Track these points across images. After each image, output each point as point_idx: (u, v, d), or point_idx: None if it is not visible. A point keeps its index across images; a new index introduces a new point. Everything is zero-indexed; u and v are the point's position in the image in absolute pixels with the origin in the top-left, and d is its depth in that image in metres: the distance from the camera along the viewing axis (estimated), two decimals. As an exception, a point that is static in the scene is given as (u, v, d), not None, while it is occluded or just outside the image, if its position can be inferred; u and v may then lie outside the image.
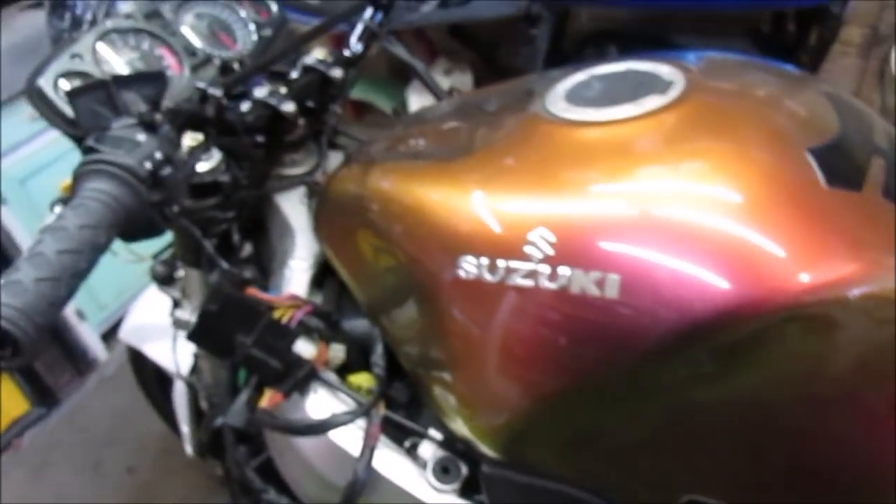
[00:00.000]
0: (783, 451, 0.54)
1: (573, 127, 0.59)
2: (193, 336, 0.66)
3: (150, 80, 0.62)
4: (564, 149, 0.58)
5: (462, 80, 1.87)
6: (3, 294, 0.41)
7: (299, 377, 0.66)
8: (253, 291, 0.68)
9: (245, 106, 0.73)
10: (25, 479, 1.74)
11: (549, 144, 0.59)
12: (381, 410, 0.67)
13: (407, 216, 0.65)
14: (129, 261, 0.88)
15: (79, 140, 0.73)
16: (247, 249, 0.87)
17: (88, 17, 0.83)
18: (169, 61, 0.84)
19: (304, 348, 0.68)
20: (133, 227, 0.51)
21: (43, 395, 1.89)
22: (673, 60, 0.65)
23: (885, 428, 0.53)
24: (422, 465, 0.67)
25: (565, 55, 1.71)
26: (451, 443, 0.66)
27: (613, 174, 0.55)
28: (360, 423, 0.66)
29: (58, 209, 0.71)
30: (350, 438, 0.67)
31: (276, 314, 0.66)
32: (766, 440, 0.54)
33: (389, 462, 0.67)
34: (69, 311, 1.86)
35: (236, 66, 0.86)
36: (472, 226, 0.58)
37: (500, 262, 0.55)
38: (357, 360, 0.73)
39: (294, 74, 0.79)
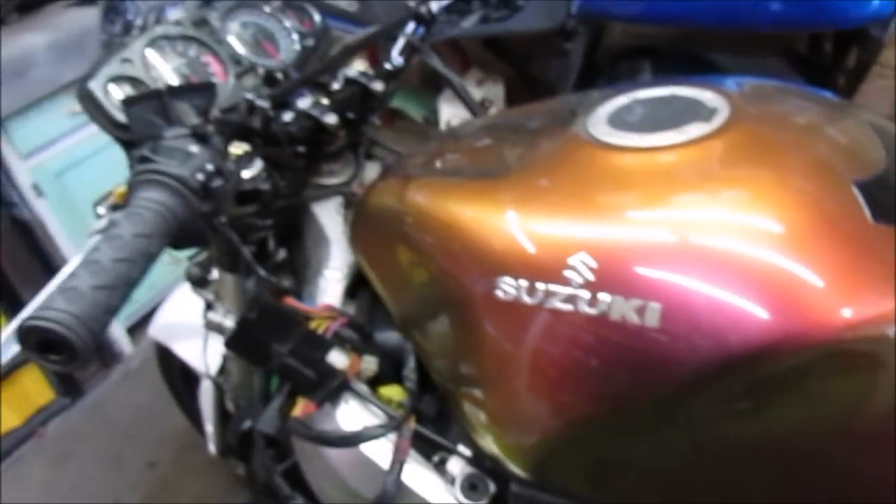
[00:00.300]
0: (818, 487, 0.53)
1: (616, 152, 0.59)
2: (231, 343, 0.67)
3: (201, 91, 0.63)
4: (607, 173, 0.58)
5: (494, 91, 1.87)
6: (61, 300, 0.42)
7: (332, 387, 0.67)
8: (290, 301, 0.70)
9: (288, 116, 0.74)
10: (48, 467, 1.78)
11: (591, 168, 0.60)
12: (412, 424, 0.68)
13: (444, 232, 0.65)
14: (168, 263, 0.90)
15: (123, 141, 0.75)
16: (280, 255, 0.88)
17: (139, 22, 0.85)
18: (214, 68, 0.86)
19: (338, 359, 0.69)
20: (182, 236, 0.52)
21: (68, 386, 1.93)
22: (715, 86, 0.65)
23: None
24: (450, 480, 0.67)
25: (598, 69, 1.71)
26: (480, 460, 0.67)
27: (656, 201, 0.55)
28: (391, 436, 0.67)
29: (102, 210, 0.73)
30: (380, 451, 0.67)
31: (312, 325, 0.67)
32: (800, 476, 0.53)
33: (418, 476, 0.67)
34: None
35: (279, 74, 0.88)
36: (512, 247, 0.58)
37: (540, 285, 0.55)
38: (388, 371, 0.74)
39: (336, 86, 0.80)
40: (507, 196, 0.62)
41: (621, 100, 0.66)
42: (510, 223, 0.59)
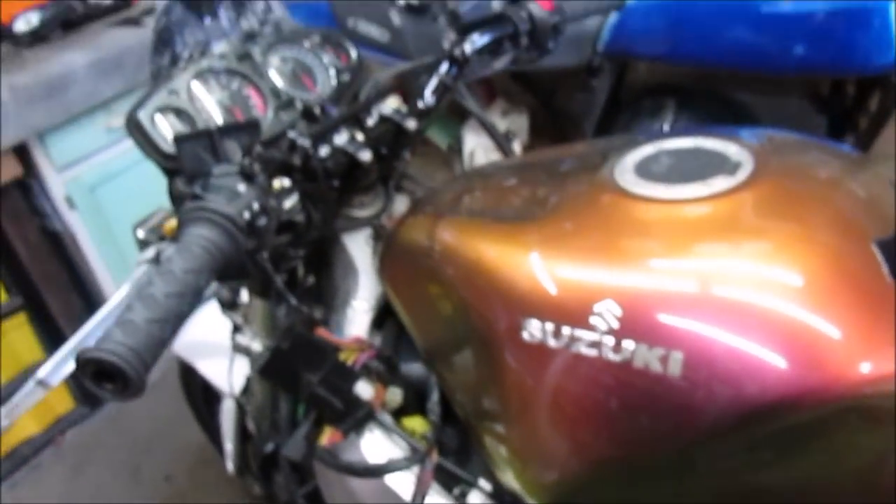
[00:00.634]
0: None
1: (643, 202, 0.61)
2: (264, 370, 0.69)
3: (246, 129, 0.66)
4: (633, 223, 0.60)
5: (518, 123, 1.90)
6: (120, 333, 0.45)
7: (358, 417, 0.69)
8: (322, 332, 0.72)
9: (324, 151, 0.77)
10: (65, 475, 1.80)
11: (618, 217, 0.62)
12: (435, 457, 0.69)
13: (473, 271, 0.67)
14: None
15: (166, 169, 0.78)
16: (309, 282, 0.90)
17: (186, 55, 0.88)
18: (255, 101, 0.89)
19: (364, 389, 0.71)
20: (228, 270, 0.55)
21: (88, 395, 1.96)
22: (739, 139, 0.67)
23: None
24: (470, 513, 0.69)
25: (622, 105, 1.73)
26: (500, 494, 0.68)
27: (680, 252, 0.57)
28: (414, 467, 0.69)
29: (141, 234, 0.76)
30: (403, 482, 0.69)
31: (342, 356, 0.69)
32: None
33: (439, 508, 0.69)
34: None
35: (316, 109, 0.91)
36: (539, 290, 0.60)
37: (565, 329, 0.57)
38: (412, 403, 0.76)
39: (370, 122, 0.83)
40: (535, 239, 0.64)
41: (648, 149, 0.68)
42: (537, 266, 0.61)
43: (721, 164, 0.63)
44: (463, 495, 0.70)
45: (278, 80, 0.91)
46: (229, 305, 0.97)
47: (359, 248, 0.86)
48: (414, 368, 0.77)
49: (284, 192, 0.71)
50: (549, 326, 0.58)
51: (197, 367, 1.25)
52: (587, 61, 1.57)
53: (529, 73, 1.86)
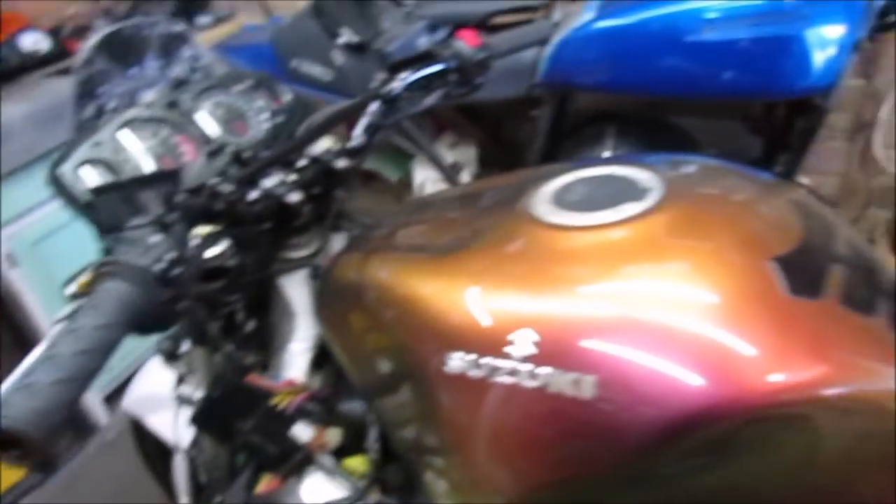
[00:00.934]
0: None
1: (557, 231, 0.63)
2: (196, 420, 0.68)
3: (167, 178, 0.66)
4: (548, 251, 0.62)
5: (467, 154, 1.93)
6: (19, 396, 0.44)
7: (296, 461, 0.69)
8: (253, 378, 0.72)
9: (253, 195, 0.77)
10: (22, 545, 1.73)
11: (533, 246, 0.63)
12: (375, 496, 0.69)
13: (402, 307, 0.68)
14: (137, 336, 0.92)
15: (92, 222, 0.78)
16: (250, 326, 0.90)
17: (111, 105, 0.88)
18: (185, 148, 0.89)
19: (302, 432, 0.71)
20: (145, 322, 0.55)
21: (39, 463, 1.88)
22: (651, 166, 0.69)
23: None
24: (413, 550, 0.68)
25: (566, 133, 1.78)
26: (443, 528, 0.68)
27: (592, 278, 0.59)
28: (353, 507, 0.68)
29: (70, 290, 0.75)
30: (342, 523, 0.68)
31: (275, 400, 0.69)
32: None
33: (381, 547, 0.68)
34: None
35: (247, 153, 0.92)
36: (459, 322, 0.61)
37: (484, 360, 0.58)
38: (354, 442, 0.75)
39: (302, 163, 0.83)
40: (457, 272, 0.65)
41: (565, 178, 0.70)
42: (458, 299, 0.62)
43: (631, 191, 0.65)
44: (405, 532, 0.69)
45: (209, 126, 0.91)
46: (169, 357, 0.96)
47: (296, 289, 0.87)
48: (354, 407, 0.77)
49: (209, 239, 0.71)
50: (470, 357, 0.59)
51: (146, 423, 1.22)
52: (527, 92, 1.62)
53: (476, 106, 1.90)
